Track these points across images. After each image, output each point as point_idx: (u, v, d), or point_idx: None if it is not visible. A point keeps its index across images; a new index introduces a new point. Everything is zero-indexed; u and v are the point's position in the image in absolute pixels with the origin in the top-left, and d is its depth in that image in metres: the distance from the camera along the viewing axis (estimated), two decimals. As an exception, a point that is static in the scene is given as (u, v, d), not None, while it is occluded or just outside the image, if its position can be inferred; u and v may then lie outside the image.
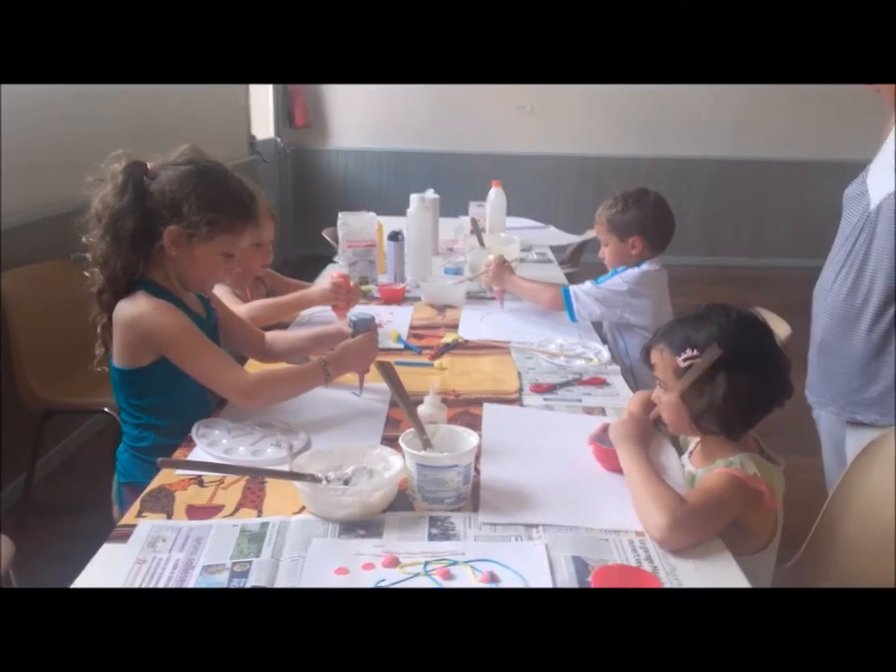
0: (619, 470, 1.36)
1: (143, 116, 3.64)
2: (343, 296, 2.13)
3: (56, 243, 2.82)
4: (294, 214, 6.74)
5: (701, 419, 1.33)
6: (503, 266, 2.40)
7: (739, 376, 1.29)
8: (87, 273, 1.50)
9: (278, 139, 6.48)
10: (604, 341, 2.18)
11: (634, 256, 2.24)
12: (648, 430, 1.42)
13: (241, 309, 2.08)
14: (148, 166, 1.48)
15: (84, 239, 1.48)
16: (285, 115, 6.57)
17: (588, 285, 2.25)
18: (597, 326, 2.32)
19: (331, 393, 1.66)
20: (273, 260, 2.35)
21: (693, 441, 1.49)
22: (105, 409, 2.52)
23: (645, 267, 2.23)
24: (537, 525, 1.21)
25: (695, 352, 1.31)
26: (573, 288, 2.24)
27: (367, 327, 1.67)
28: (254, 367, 1.82)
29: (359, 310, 2.10)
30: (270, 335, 1.83)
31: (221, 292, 2.08)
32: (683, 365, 1.33)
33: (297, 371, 1.62)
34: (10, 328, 2.56)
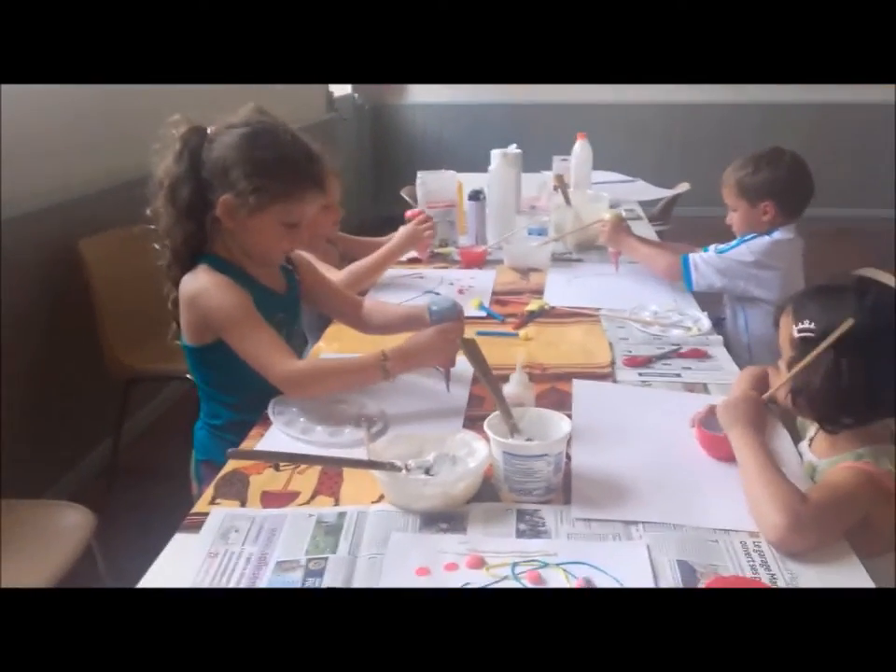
0: (727, 459, 1.23)
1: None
2: (425, 229, 2.10)
3: (133, 208, 2.84)
4: (373, 172, 6.66)
5: (798, 397, 1.20)
6: (620, 226, 2.24)
7: (865, 360, 1.14)
8: (156, 246, 1.44)
9: (356, 95, 6.37)
10: (712, 315, 1.98)
11: (765, 223, 2.06)
12: (763, 412, 1.28)
13: (337, 276, 2.00)
14: (208, 131, 1.39)
15: (148, 210, 1.42)
16: (362, 70, 6.46)
17: (711, 253, 2.08)
18: (703, 295, 2.14)
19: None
20: (351, 221, 2.29)
21: (815, 427, 1.34)
22: (188, 375, 2.50)
23: (777, 235, 2.04)
24: (636, 523, 1.10)
25: (811, 324, 1.18)
26: (693, 257, 2.08)
27: (448, 316, 1.46)
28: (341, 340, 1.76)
29: (441, 296, 1.94)
30: (367, 305, 1.73)
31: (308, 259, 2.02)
32: (797, 336, 1.20)
33: (351, 364, 1.47)
34: (94, 295, 2.57)
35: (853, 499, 1.08)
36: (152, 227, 1.43)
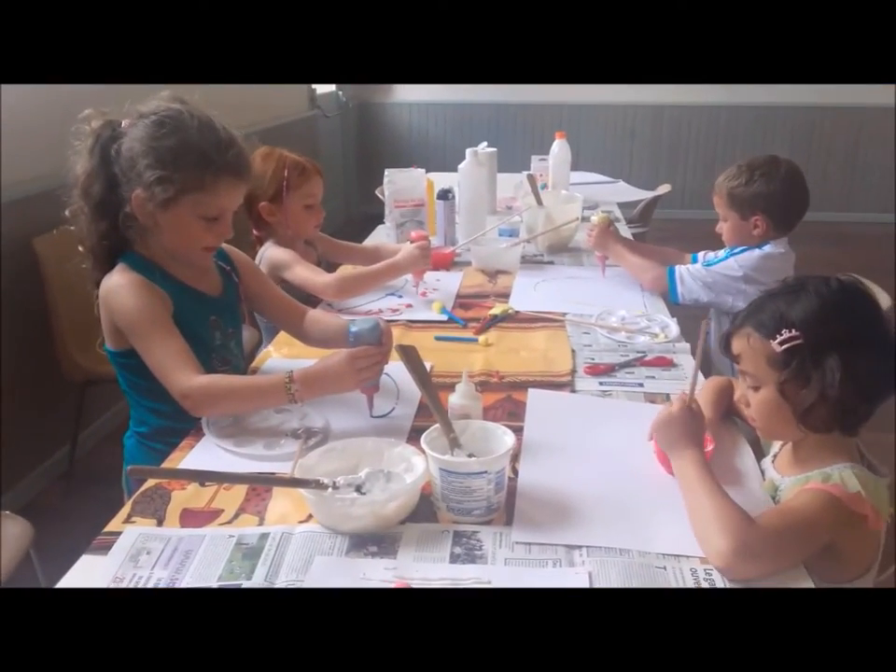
0: None
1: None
2: (429, 257, 2.00)
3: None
4: (357, 170, 6.57)
5: (810, 415, 1.09)
6: (607, 230, 2.15)
7: (854, 356, 1.05)
8: (81, 248, 1.36)
9: (340, 92, 6.28)
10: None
11: (755, 236, 1.98)
12: (701, 424, 1.18)
13: (327, 278, 1.91)
14: (123, 124, 1.31)
15: (67, 211, 1.34)
16: (347, 67, 6.36)
17: (698, 266, 2.00)
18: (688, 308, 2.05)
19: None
20: (336, 219, 2.19)
21: (779, 443, 1.25)
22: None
23: (768, 249, 1.96)
24: (580, 547, 1.02)
25: (794, 332, 1.07)
26: (679, 269, 2.00)
27: (367, 339, 1.31)
28: (292, 345, 1.68)
29: (367, 315, 1.85)
30: (311, 315, 1.62)
31: (290, 258, 1.93)
32: (780, 349, 1.08)
33: (254, 385, 1.37)
34: (48, 294, 2.49)
35: (813, 526, 1.00)
36: (72, 228, 1.35)
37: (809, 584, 0.96)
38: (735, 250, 2.00)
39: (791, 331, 1.08)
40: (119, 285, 1.32)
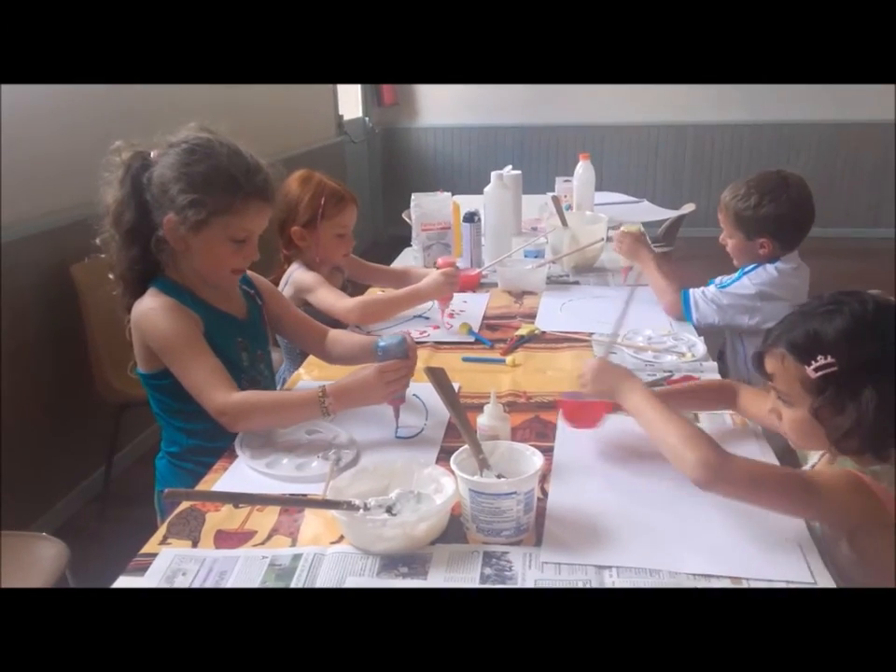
0: (593, 425, 1.34)
1: (229, 99, 3.50)
2: (455, 284, 1.97)
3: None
4: (384, 194, 6.64)
5: (844, 440, 1.08)
6: (641, 239, 2.16)
7: (889, 382, 1.04)
8: (111, 276, 1.41)
9: (367, 118, 6.37)
10: (713, 347, 1.89)
11: (761, 256, 1.98)
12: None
13: (349, 303, 1.91)
14: (152, 154, 1.36)
15: (98, 240, 1.39)
16: (373, 93, 6.45)
17: (711, 289, 1.99)
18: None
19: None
20: (364, 242, 2.22)
21: (817, 454, 1.25)
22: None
23: (780, 265, 1.95)
24: (610, 567, 1.02)
25: (829, 358, 1.06)
26: (693, 294, 1.99)
27: (394, 354, 1.36)
28: (322, 367, 1.71)
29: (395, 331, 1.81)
30: (332, 335, 1.66)
31: (315, 281, 1.94)
32: (815, 375, 1.07)
33: (289, 399, 1.42)
34: (85, 319, 2.54)
35: (829, 488, 1.04)
36: (102, 256, 1.39)
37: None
38: (748, 269, 2.00)
39: (826, 358, 1.06)
40: (151, 308, 1.36)
